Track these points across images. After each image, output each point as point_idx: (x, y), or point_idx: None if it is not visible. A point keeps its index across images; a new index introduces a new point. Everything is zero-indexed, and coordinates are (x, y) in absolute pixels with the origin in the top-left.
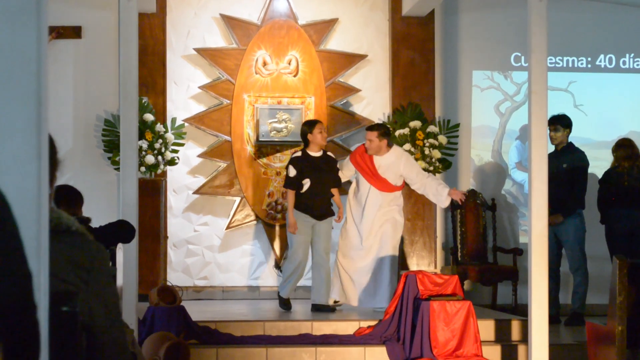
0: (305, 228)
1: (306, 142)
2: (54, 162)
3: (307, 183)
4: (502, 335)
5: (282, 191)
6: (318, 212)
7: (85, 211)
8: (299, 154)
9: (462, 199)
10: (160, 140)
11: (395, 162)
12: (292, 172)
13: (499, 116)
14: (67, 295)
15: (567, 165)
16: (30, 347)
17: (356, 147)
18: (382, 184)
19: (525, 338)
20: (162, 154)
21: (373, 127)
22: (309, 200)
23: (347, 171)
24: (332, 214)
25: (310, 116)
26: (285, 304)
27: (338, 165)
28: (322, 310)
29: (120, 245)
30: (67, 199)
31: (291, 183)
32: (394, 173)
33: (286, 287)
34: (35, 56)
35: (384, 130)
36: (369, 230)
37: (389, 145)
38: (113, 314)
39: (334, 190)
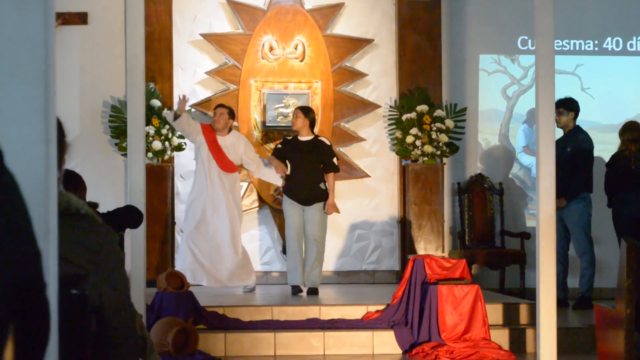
0: (294, 212)
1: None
2: (62, 145)
3: (289, 165)
4: (510, 319)
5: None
6: (303, 198)
7: (93, 197)
8: (290, 137)
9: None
10: (167, 126)
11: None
12: (278, 145)
13: (506, 100)
14: (76, 278)
15: (571, 148)
16: (41, 325)
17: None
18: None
19: (533, 322)
20: (169, 139)
21: (224, 105)
22: (293, 185)
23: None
24: (322, 199)
25: (317, 101)
26: (295, 290)
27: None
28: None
29: (128, 231)
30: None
31: (275, 151)
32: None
33: (291, 274)
34: (43, 40)
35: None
36: None
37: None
38: (122, 297)
39: (329, 176)
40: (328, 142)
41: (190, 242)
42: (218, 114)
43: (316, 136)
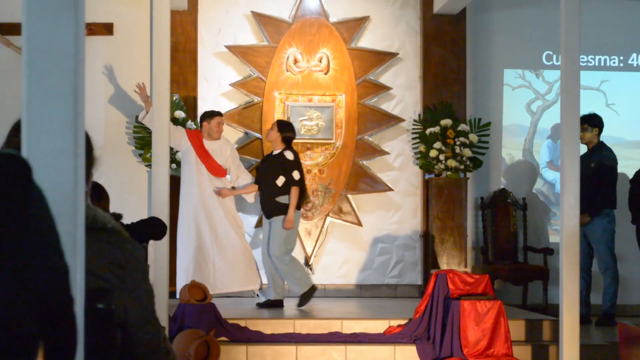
0: (264, 226)
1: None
2: (90, 159)
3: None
4: (532, 335)
5: (313, 189)
6: (264, 210)
7: (116, 208)
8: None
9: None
10: None
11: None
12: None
13: (530, 115)
14: (102, 293)
15: (594, 164)
16: (69, 340)
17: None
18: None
19: (556, 338)
20: None
21: (220, 113)
22: (260, 199)
23: None
24: (279, 213)
25: (341, 114)
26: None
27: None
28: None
29: (151, 242)
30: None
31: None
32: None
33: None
34: (73, 52)
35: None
36: None
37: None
38: (147, 311)
39: (294, 190)
40: (291, 157)
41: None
42: (217, 124)
43: (282, 150)
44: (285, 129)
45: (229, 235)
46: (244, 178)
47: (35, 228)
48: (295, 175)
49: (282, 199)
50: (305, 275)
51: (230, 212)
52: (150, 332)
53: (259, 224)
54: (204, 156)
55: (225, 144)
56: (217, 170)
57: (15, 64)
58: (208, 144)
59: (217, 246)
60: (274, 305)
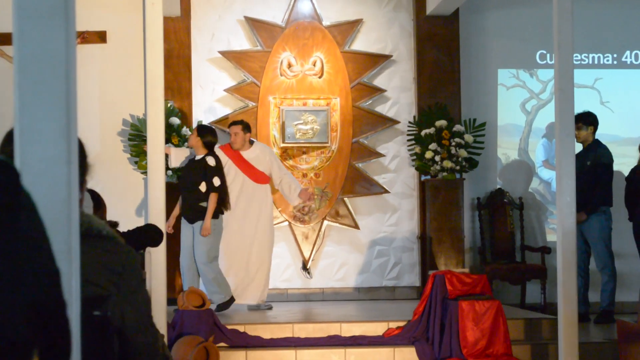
0: (186, 231)
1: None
2: (84, 167)
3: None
4: (531, 335)
5: (309, 192)
6: (186, 214)
7: (113, 215)
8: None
9: (310, 199)
10: (187, 144)
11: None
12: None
13: (525, 114)
14: (98, 300)
15: (590, 162)
16: (63, 345)
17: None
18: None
19: (554, 337)
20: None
21: (238, 122)
22: (183, 204)
23: None
24: (202, 218)
25: (336, 117)
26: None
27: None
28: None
29: (148, 249)
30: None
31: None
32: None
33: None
34: (64, 60)
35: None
36: None
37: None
38: (144, 317)
39: (212, 197)
40: (212, 162)
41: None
42: (233, 135)
43: (204, 156)
44: (206, 133)
45: (261, 247)
46: (288, 181)
47: (26, 233)
48: (216, 181)
49: (205, 204)
50: (227, 285)
51: (269, 219)
52: (147, 339)
53: None
54: (245, 167)
55: (262, 150)
56: (260, 178)
57: (9, 73)
58: (246, 154)
59: (246, 257)
60: (228, 305)
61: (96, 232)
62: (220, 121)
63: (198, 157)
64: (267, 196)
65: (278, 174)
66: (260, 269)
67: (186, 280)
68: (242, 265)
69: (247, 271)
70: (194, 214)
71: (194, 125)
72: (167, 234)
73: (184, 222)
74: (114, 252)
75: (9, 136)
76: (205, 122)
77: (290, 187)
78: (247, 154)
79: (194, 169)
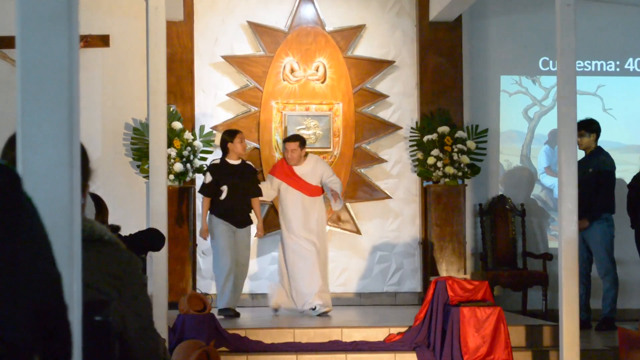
0: (227, 234)
1: (225, 151)
2: (86, 171)
3: (225, 190)
4: (532, 341)
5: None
6: (237, 219)
7: (115, 219)
8: (217, 161)
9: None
10: (189, 148)
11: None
12: (208, 178)
13: (527, 121)
14: (100, 305)
15: (593, 169)
16: (64, 348)
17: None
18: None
19: (556, 344)
20: (190, 161)
21: (292, 138)
22: (228, 207)
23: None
24: (251, 222)
25: (338, 122)
26: (232, 313)
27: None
28: (227, 314)
29: (150, 254)
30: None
31: (204, 189)
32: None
33: (226, 296)
34: (67, 64)
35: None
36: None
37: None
38: (146, 322)
39: (254, 201)
40: (254, 167)
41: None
42: (289, 151)
43: (243, 161)
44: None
45: (316, 251)
46: (336, 181)
47: (27, 237)
48: (262, 186)
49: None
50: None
51: (322, 229)
52: (148, 343)
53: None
54: (299, 184)
55: (315, 163)
56: (314, 192)
57: (11, 76)
58: (299, 169)
59: (311, 267)
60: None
61: (98, 237)
62: (222, 125)
63: (235, 162)
64: (322, 207)
65: (325, 182)
66: (324, 275)
67: (222, 283)
68: (309, 275)
69: (314, 279)
70: (245, 219)
71: (197, 129)
72: (168, 238)
73: (225, 226)
74: (116, 258)
75: (12, 141)
76: (207, 127)
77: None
78: (301, 169)
79: (247, 175)
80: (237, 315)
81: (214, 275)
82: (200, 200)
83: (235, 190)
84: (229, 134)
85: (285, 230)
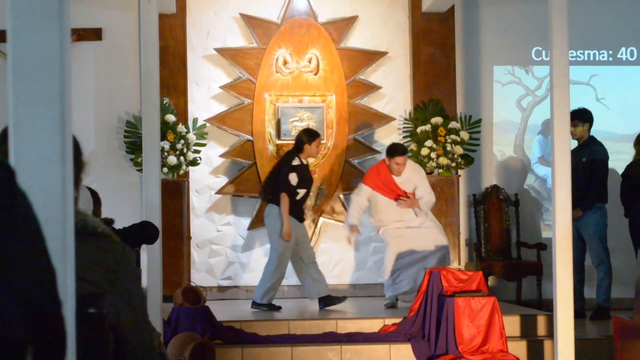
0: (294, 231)
1: (300, 150)
2: (79, 164)
3: (302, 192)
4: (527, 331)
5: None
6: (302, 215)
7: (108, 213)
8: (297, 162)
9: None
10: (182, 141)
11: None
12: (294, 179)
13: (520, 111)
14: (93, 297)
15: (586, 159)
16: (58, 344)
17: (370, 171)
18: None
19: (550, 333)
20: (184, 154)
21: (402, 151)
22: (300, 206)
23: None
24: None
25: (332, 114)
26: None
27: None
28: (334, 301)
29: (144, 247)
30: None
31: (291, 190)
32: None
33: (271, 294)
34: (59, 58)
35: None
36: None
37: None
38: (140, 315)
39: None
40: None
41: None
42: (395, 165)
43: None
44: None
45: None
46: (428, 199)
47: (21, 232)
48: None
49: None
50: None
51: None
52: (142, 336)
53: (251, 226)
54: (394, 195)
55: (412, 171)
56: (398, 194)
57: (3, 70)
58: (398, 179)
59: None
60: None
61: (91, 229)
62: (215, 118)
63: (305, 162)
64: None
65: (420, 192)
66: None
67: (276, 277)
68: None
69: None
70: (304, 214)
71: (190, 121)
72: (162, 231)
73: (292, 223)
74: (109, 250)
75: (4, 134)
76: (200, 120)
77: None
78: (399, 179)
79: (308, 174)
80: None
81: (265, 271)
82: (195, 195)
83: (308, 187)
84: (310, 136)
85: (381, 228)
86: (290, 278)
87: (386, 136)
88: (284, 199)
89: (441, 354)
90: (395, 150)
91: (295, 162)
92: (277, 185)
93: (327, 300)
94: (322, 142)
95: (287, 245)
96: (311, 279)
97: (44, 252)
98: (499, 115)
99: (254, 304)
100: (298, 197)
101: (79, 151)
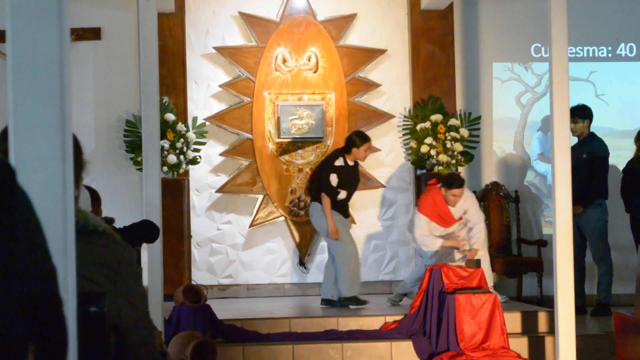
0: (342, 223)
1: (347, 151)
2: (79, 163)
3: (343, 193)
4: (528, 327)
5: (305, 187)
6: (346, 212)
7: (109, 212)
8: (340, 162)
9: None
10: (182, 140)
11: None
12: (334, 180)
13: (520, 108)
14: (95, 296)
15: (586, 155)
16: (59, 342)
17: (425, 198)
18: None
19: (551, 329)
20: (184, 153)
21: (460, 183)
22: (343, 203)
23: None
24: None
25: (331, 112)
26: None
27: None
28: (358, 303)
29: (144, 246)
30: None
31: (331, 190)
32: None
33: (357, 285)
34: (58, 57)
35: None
36: None
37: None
38: (141, 313)
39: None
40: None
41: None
42: (452, 196)
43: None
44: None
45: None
46: (480, 236)
47: (22, 231)
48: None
49: None
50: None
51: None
52: (143, 334)
53: (252, 225)
54: (446, 223)
55: (466, 201)
56: (451, 223)
57: (2, 69)
58: (452, 208)
59: None
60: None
61: (92, 228)
62: (214, 117)
63: (351, 163)
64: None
65: (472, 221)
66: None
67: (351, 271)
68: None
69: None
70: (348, 210)
71: (189, 120)
72: (163, 230)
73: (338, 216)
74: (110, 248)
75: (4, 133)
76: (200, 119)
77: (472, 237)
78: (453, 207)
79: (357, 173)
80: (365, 302)
81: (337, 268)
82: (195, 194)
83: (350, 188)
84: (361, 139)
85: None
86: (291, 276)
87: (386, 133)
88: (325, 199)
89: (442, 351)
90: (453, 182)
91: (339, 162)
92: (319, 184)
93: (330, 304)
94: (370, 146)
95: (346, 236)
96: (333, 279)
97: (44, 250)
98: (498, 112)
99: (340, 300)
100: (339, 198)
101: (79, 150)
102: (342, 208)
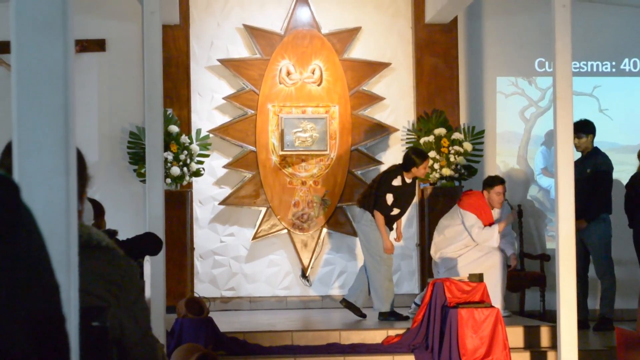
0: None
1: (407, 169)
2: (83, 177)
3: (395, 210)
4: (531, 342)
5: (308, 200)
6: (392, 225)
7: (112, 223)
8: (398, 182)
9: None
10: (186, 152)
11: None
12: (390, 199)
13: (523, 122)
14: (97, 310)
15: (590, 170)
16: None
17: (467, 199)
18: None
19: (554, 344)
20: (187, 165)
21: (502, 180)
22: (394, 220)
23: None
24: None
25: (335, 125)
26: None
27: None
28: (398, 317)
29: (147, 258)
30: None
31: (385, 209)
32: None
33: (392, 298)
34: (62, 70)
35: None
36: None
37: None
38: (143, 328)
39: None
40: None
41: None
42: (496, 194)
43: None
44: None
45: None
46: (508, 246)
47: (26, 248)
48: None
49: None
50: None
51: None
52: (146, 349)
53: (255, 237)
54: (486, 222)
55: (503, 208)
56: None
57: (8, 81)
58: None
59: None
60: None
61: (95, 243)
62: (218, 129)
63: (409, 181)
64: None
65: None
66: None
67: (386, 286)
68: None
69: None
70: (393, 224)
71: (193, 132)
72: (166, 242)
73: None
74: (113, 264)
75: (8, 148)
76: (204, 131)
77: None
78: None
79: (413, 189)
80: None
81: (373, 282)
82: (198, 206)
83: (404, 206)
84: (420, 157)
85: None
86: (293, 289)
87: (389, 147)
88: (378, 216)
89: None
90: (493, 179)
91: (396, 182)
92: (375, 200)
93: (352, 308)
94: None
95: (381, 251)
96: (363, 285)
97: (48, 267)
98: (502, 126)
99: (381, 315)
100: (391, 214)
101: (83, 164)
102: (389, 222)
